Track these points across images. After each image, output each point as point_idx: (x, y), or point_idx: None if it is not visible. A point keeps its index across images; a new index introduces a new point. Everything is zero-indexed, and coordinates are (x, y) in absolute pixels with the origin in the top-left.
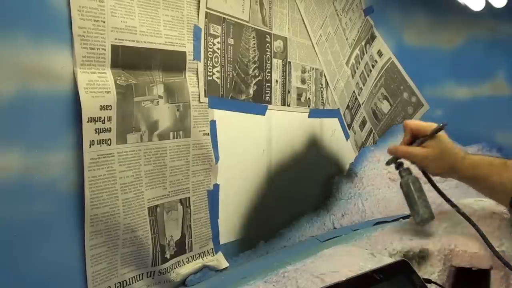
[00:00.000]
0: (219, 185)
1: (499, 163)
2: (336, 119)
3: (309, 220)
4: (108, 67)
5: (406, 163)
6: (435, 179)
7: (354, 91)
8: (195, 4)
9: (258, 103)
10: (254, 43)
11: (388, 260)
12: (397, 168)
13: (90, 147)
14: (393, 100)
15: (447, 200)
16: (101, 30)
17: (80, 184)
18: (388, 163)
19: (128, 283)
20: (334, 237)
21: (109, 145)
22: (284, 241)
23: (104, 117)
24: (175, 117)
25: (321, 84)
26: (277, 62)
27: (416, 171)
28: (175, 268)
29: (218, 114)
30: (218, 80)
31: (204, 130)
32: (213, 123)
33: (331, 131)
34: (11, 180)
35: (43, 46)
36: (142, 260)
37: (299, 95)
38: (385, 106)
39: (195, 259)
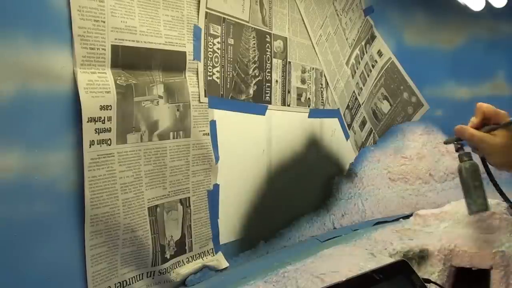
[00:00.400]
0: (219, 185)
1: None
2: (336, 119)
3: (309, 220)
4: (108, 67)
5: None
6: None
7: (354, 91)
8: (195, 4)
9: (258, 103)
10: (254, 43)
11: (388, 260)
12: (457, 150)
13: (90, 147)
14: (393, 100)
15: (502, 193)
16: (101, 30)
17: (80, 184)
18: (446, 142)
19: (128, 283)
20: (334, 237)
21: (109, 145)
22: (284, 241)
23: (104, 117)
24: (175, 117)
25: (321, 84)
26: (277, 62)
27: (474, 157)
28: (175, 268)
29: (218, 114)
30: (218, 80)
31: (204, 130)
32: (213, 123)
33: (331, 131)
34: (11, 180)
35: (43, 46)
36: (142, 260)
37: (299, 95)
38: (385, 106)
39: (195, 259)
